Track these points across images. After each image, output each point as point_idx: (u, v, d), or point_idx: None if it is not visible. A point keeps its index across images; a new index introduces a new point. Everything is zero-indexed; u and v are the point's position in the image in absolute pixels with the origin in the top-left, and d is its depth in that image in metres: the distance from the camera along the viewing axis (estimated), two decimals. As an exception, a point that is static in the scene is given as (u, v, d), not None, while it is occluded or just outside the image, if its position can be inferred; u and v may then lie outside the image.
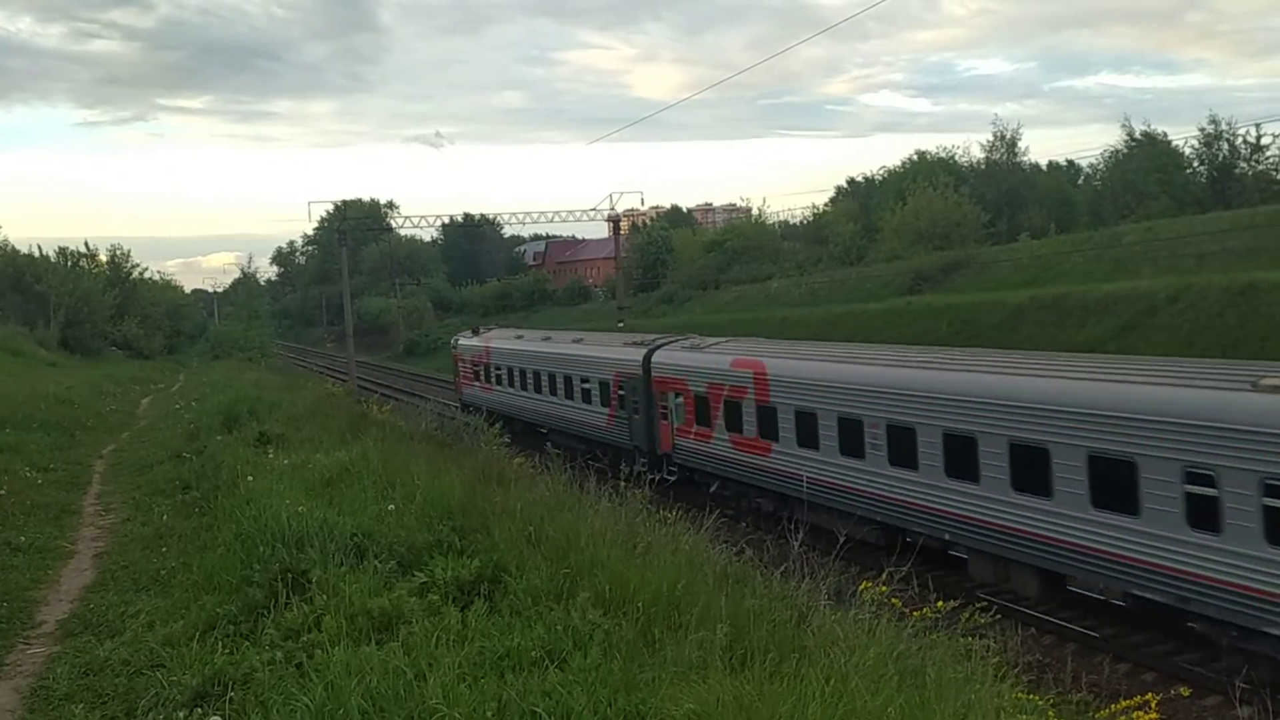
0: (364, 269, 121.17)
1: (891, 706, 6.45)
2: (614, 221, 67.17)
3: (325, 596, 10.43)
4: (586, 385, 32.19)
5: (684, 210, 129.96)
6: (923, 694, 6.76)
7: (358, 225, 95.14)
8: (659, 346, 28.89)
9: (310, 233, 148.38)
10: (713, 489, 25.11)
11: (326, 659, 8.68)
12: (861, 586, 10.33)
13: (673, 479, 26.30)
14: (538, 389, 36.60)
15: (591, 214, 78.74)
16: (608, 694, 7.50)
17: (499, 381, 40.97)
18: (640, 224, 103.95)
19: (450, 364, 51.67)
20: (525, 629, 9.26)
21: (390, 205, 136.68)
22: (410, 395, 53.73)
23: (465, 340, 47.35)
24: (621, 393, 29.69)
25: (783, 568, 10.82)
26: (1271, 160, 61.11)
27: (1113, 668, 14.89)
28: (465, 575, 10.93)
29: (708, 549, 11.45)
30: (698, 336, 30.44)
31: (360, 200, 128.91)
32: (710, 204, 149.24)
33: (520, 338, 41.61)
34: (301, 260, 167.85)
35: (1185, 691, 12.99)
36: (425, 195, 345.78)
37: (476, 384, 44.14)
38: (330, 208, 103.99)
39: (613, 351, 31.18)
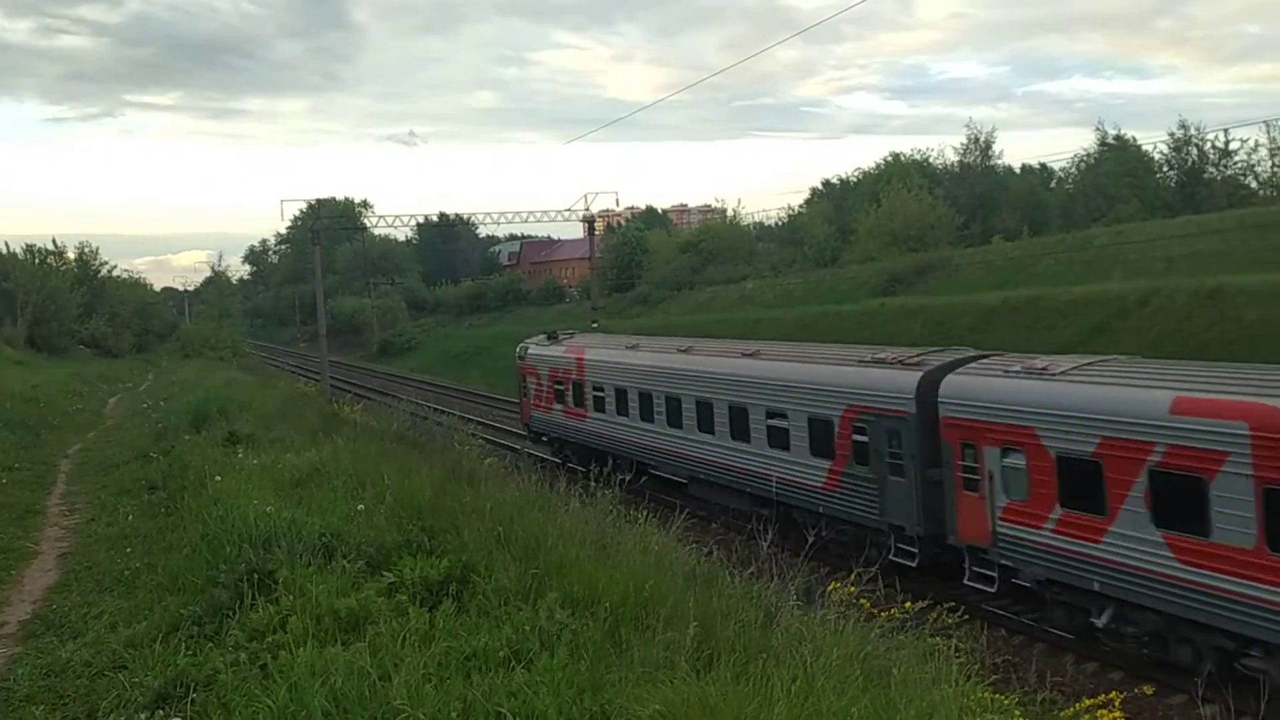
0: (337, 268, 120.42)
1: (856, 707, 6.47)
2: (589, 222, 67.02)
3: (291, 597, 10.38)
4: (778, 422, 21.83)
5: (659, 211, 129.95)
6: (888, 694, 6.78)
7: (331, 224, 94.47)
8: (951, 367, 18.24)
9: (283, 231, 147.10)
10: (1103, 620, 14.84)
11: (291, 660, 8.63)
12: (830, 587, 10.36)
13: (989, 589, 16.89)
14: (673, 421, 25.93)
15: (566, 214, 78.79)
16: (573, 694, 7.49)
17: (599, 407, 29.95)
18: (615, 224, 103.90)
19: (514, 377, 39.47)
20: (493, 629, 9.26)
21: (364, 204, 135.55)
22: (383, 395, 53.50)
23: (539, 348, 35.16)
24: (860, 437, 19.48)
25: (752, 568, 10.85)
26: (1239, 165, 61.88)
27: (1079, 667, 15.04)
28: (434, 575, 10.91)
29: (677, 549, 11.45)
30: (1002, 352, 19.77)
31: (334, 199, 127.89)
32: (685, 205, 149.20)
33: (635, 348, 29.60)
34: (274, 259, 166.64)
35: (1149, 690, 13.09)
36: (400, 195, 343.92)
37: (558, 407, 32.88)
38: (303, 206, 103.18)
39: (841, 372, 20.46)
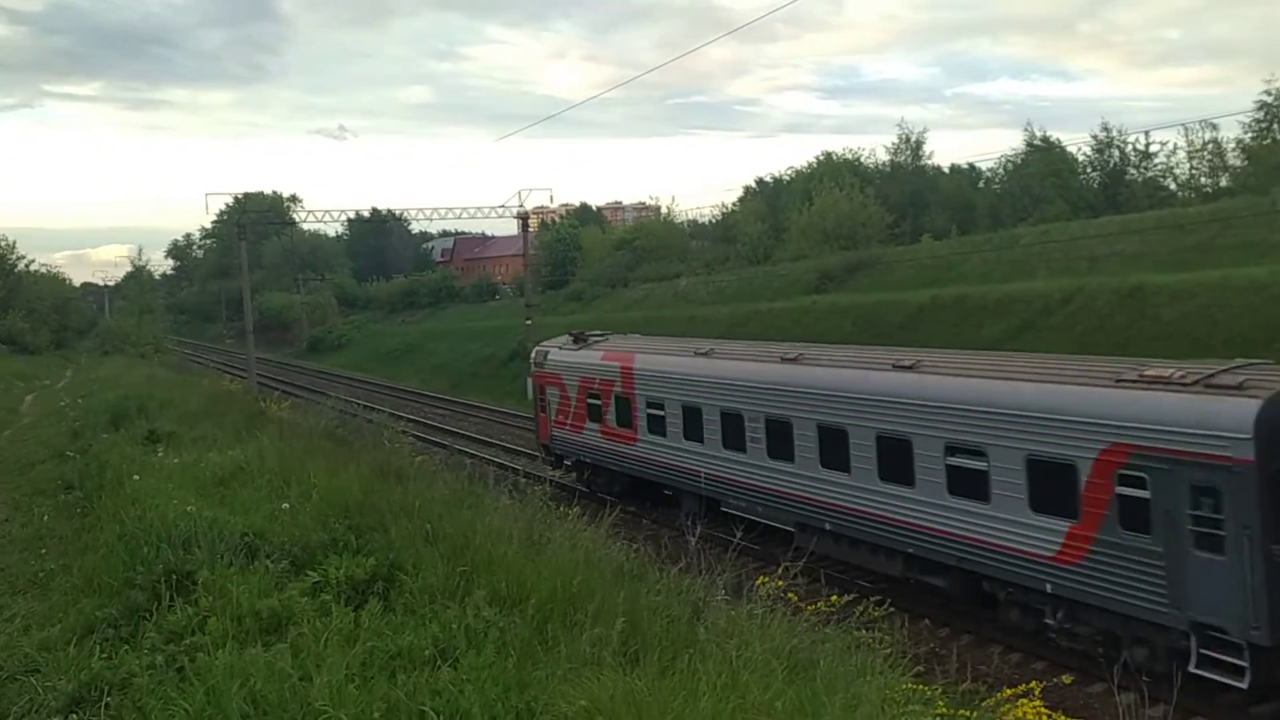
0: (265, 264, 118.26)
1: (781, 700, 6.49)
2: (523, 219, 66.69)
3: (211, 598, 10.21)
4: (968, 461, 15.76)
5: (593, 208, 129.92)
6: (812, 686, 6.82)
7: (258, 219, 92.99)
8: None
9: (208, 226, 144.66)
10: None
11: (209, 662, 8.46)
12: (758, 581, 10.41)
13: None
14: (778, 452, 19.85)
15: (500, 211, 78.26)
16: (499, 692, 7.43)
17: (656, 428, 23.90)
18: (549, 221, 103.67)
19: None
20: (419, 628, 9.18)
21: (293, 199, 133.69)
22: (312, 392, 52.74)
23: (563, 354, 28.41)
24: (1133, 491, 13.61)
25: (681, 563, 10.87)
26: (1159, 167, 63.65)
27: (1004, 658, 15.31)
28: (360, 574, 10.82)
29: (607, 545, 11.43)
30: None
31: (261, 193, 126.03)
32: (620, 202, 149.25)
33: (710, 354, 23.09)
34: (199, 254, 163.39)
35: (1068, 680, 13.38)
36: (330, 189, 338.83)
37: (593, 427, 26.56)
38: (229, 200, 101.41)
39: (1094, 396, 14.35)
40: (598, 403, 26.19)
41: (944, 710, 8.51)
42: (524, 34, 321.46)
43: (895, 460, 17.16)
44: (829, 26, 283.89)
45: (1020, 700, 8.80)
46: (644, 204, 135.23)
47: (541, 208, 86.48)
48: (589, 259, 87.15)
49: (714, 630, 8.19)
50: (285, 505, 13.69)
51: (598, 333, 29.39)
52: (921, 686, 8.49)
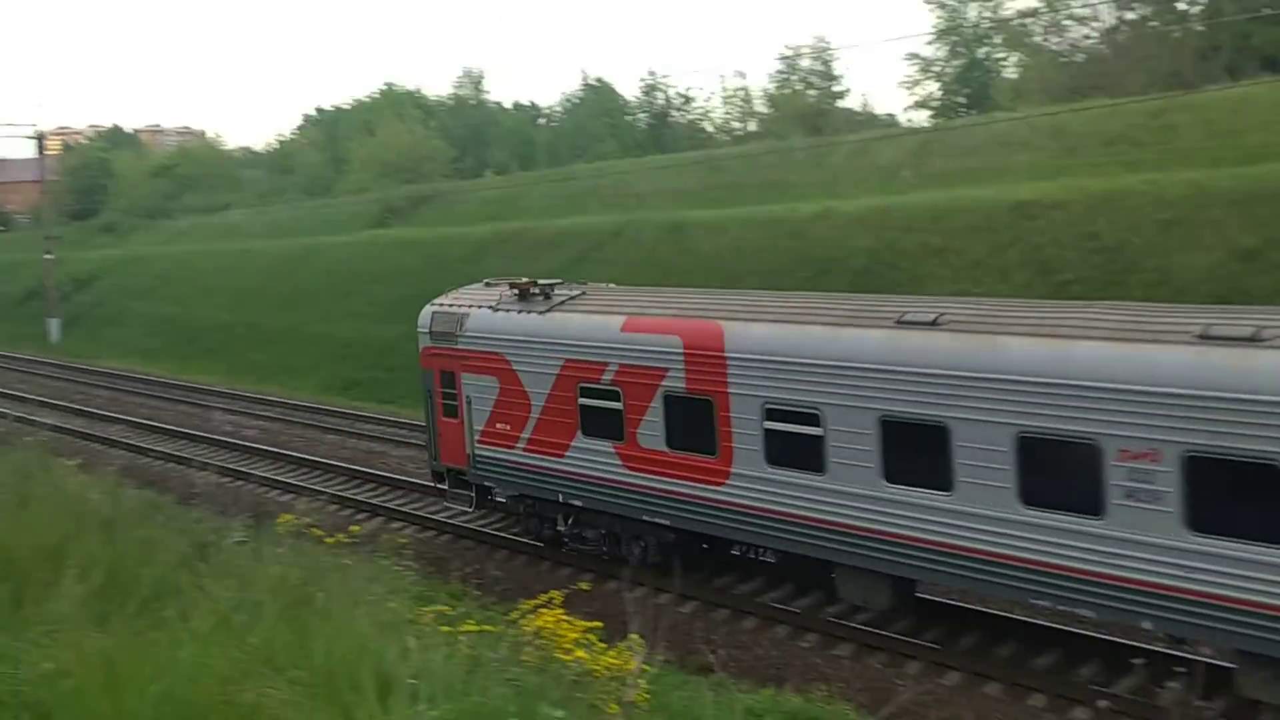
0: None
1: (271, 639, 6.10)
2: (40, 138, 59.16)
3: None
4: None
5: (128, 131, 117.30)
6: (308, 622, 6.49)
7: None
8: None
9: None
10: None
11: None
12: (280, 518, 9.84)
13: None
14: (1224, 524, 9.99)
15: (10, 128, 68.42)
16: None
17: (791, 458, 13.51)
18: (75, 144, 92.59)
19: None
20: None
21: None
22: None
23: (501, 319, 17.01)
24: None
25: (195, 506, 10.04)
26: (698, 111, 69.29)
27: (554, 573, 15.97)
28: None
29: (106, 493, 10.28)
30: None
31: None
32: (160, 126, 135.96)
33: (938, 324, 12.31)
34: None
35: (585, 586, 14.29)
36: None
37: (596, 445, 15.65)
38: None
39: None
40: (611, 406, 15.49)
41: (473, 626, 8.54)
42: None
43: None
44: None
45: (541, 609, 9.10)
46: (188, 129, 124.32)
47: (65, 128, 76.77)
48: (123, 187, 79.29)
49: (212, 572, 7.60)
50: None
51: (561, 283, 17.69)
52: (445, 608, 8.44)
